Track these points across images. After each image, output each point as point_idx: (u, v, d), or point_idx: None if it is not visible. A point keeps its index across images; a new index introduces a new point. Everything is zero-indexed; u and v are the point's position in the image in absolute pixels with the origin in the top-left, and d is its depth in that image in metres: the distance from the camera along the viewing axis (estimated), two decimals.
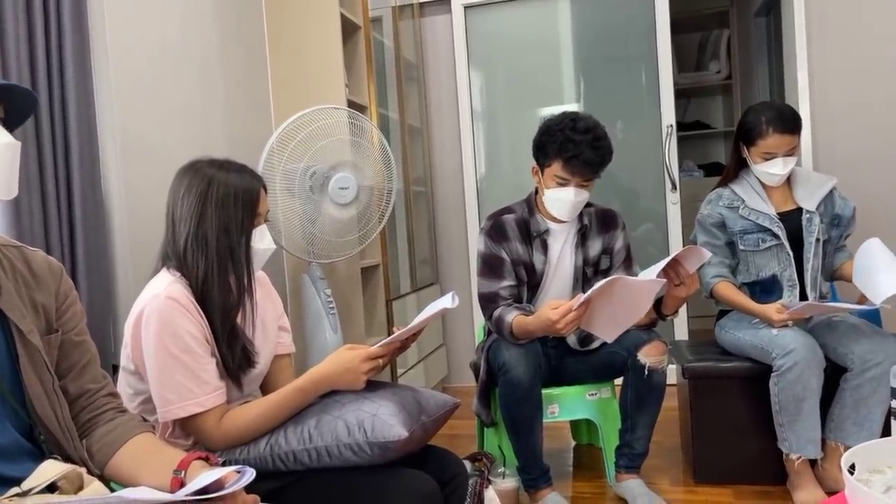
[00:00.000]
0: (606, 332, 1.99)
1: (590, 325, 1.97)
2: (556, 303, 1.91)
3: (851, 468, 1.20)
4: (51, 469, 0.97)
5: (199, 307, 1.36)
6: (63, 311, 1.13)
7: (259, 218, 1.45)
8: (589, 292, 1.83)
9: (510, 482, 2.21)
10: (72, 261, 1.86)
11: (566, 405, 2.31)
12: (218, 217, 1.39)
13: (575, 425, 2.85)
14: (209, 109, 2.51)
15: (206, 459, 1.04)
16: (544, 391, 2.15)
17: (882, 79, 3.28)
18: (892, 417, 1.14)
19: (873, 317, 2.69)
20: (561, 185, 2.12)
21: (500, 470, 2.25)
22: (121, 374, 1.43)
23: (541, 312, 1.94)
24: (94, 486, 0.98)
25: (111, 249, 2.02)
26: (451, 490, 1.42)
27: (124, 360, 1.41)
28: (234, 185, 1.41)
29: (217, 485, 0.90)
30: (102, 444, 1.11)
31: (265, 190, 1.48)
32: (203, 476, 0.90)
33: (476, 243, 2.29)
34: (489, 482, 2.21)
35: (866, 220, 2.67)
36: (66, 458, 1.03)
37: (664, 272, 1.97)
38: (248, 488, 0.97)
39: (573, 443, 2.86)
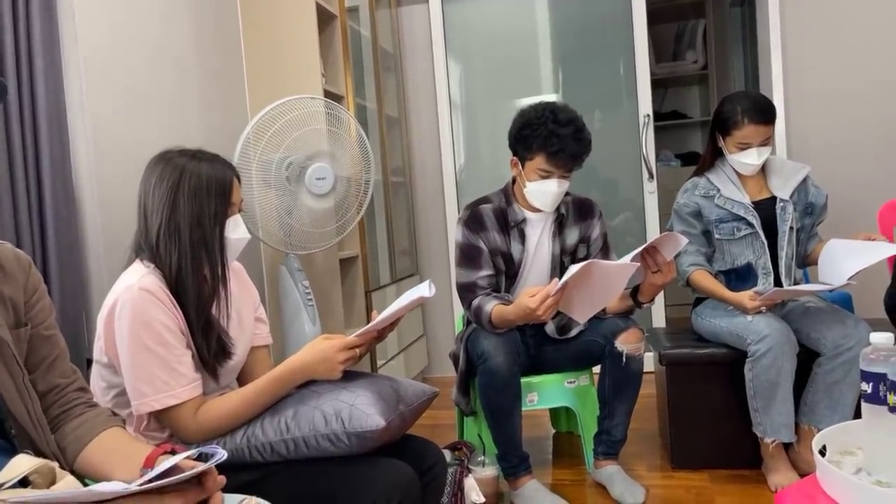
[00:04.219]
0: (581, 313, 2.01)
1: (565, 308, 1.99)
2: (533, 290, 1.92)
3: (823, 450, 1.22)
4: (23, 463, 0.95)
5: (173, 298, 1.34)
6: (32, 305, 1.11)
7: (233, 207, 1.44)
8: (566, 277, 1.84)
9: (490, 470, 2.22)
10: (43, 254, 1.82)
11: (545, 393, 2.32)
12: (190, 207, 1.37)
13: (554, 413, 2.87)
14: (183, 99, 2.48)
15: (172, 452, 1.03)
16: (523, 380, 2.16)
17: (855, 68, 3.32)
18: (863, 400, 1.16)
19: (845, 302, 2.74)
20: (544, 177, 2.13)
21: (479, 458, 2.26)
22: (94, 367, 1.41)
23: (519, 301, 1.95)
24: (67, 480, 0.96)
25: (83, 242, 1.99)
26: (429, 479, 1.42)
27: (97, 353, 1.39)
28: (207, 175, 1.39)
29: (177, 471, 0.90)
30: (72, 438, 1.09)
31: (238, 179, 1.46)
32: (163, 464, 0.90)
33: (454, 234, 2.29)
34: (469, 471, 2.23)
35: (839, 207, 2.71)
36: (38, 453, 1.01)
37: (642, 259, 1.99)
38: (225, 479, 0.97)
39: (552, 430, 2.88)
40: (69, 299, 1.86)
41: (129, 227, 1.46)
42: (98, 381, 1.40)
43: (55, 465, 0.99)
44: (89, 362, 1.45)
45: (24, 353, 1.07)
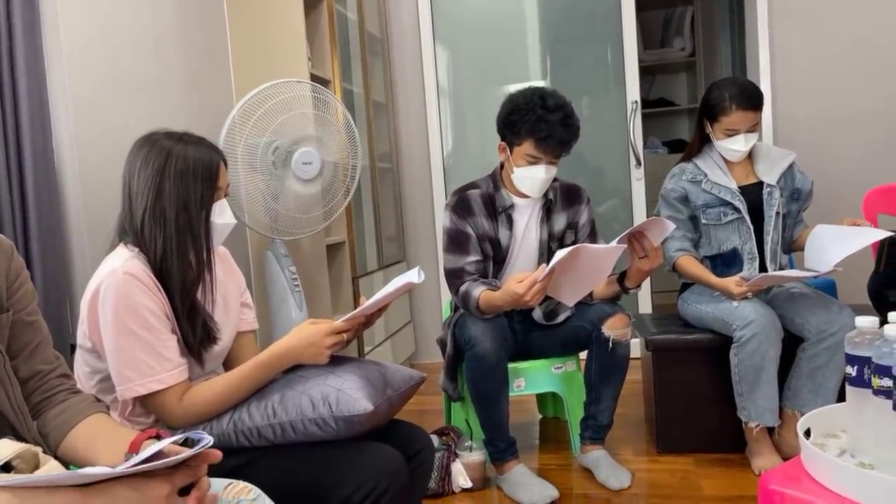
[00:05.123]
0: (568, 297, 2.02)
1: (553, 292, 1.99)
2: (521, 276, 1.92)
3: (807, 433, 1.24)
4: (5, 448, 0.94)
5: (157, 283, 1.33)
6: (14, 291, 1.09)
7: (219, 192, 1.42)
8: (553, 262, 1.84)
9: (477, 455, 2.23)
10: (25, 238, 1.80)
11: (532, 379, 2.33)
12: (176, 191, 1.35)
13: (541, 398, 2.89)
14: (167, 82, 2.45)
15: (157, 437, 1.02)
16: (510, 365, 2.16)
17: (842, 55, 3.34)
18: (847, 383, 1.17)
19: (829, 288, 2.76)
20: (532, 163, 2.12)
21: (467, 443, 2.27)
22: (78, 352, 1.40)
23: (507, 286, 1.95)
24: (50, 465, 0.95)
25: (66, 226, 1.96)
26: (417, 464, 1.42)
27: (81, 338, 1.37)
28: (193, 159, 1.37)
29: (162, 456, 0.89)
30: (54, 425, 1.08)
31: (225, 163, 1.44)
32: (148, 449, 0.89)
33: (442, 220, 2.28)
34: (456, 456, 2.24)
35: (824, 193, 2.73)
36: (19, 440, 1.00)
37: (629, 244, 2.00)
38: (211, 465, 0.96)
39: (539, 416, 2.89)
40: (52, 284, 1.84)
41: (113, 211, 1.44)
42: (82, 367, 1.39)
43: (39, 450, 0.98)
44: (73, 347, 1.44)
45: (6, 340, 1.06)
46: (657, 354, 2.40)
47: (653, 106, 5.16)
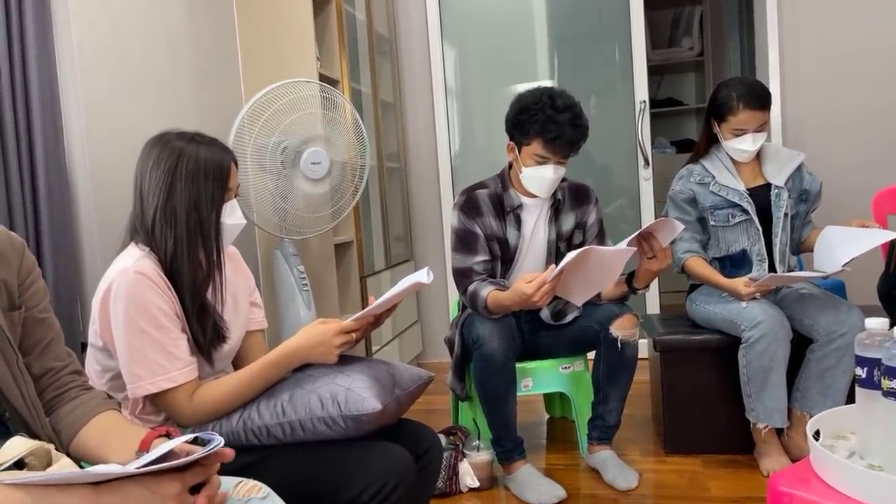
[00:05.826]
0: (577, 297, 2.02)
1: (562, 292, 1.99)
2: (529, 276, 1.92)
3: (816, 434, 1.23)
4: (18, 445, 0.95)
5: (168, 282, 1.34)
6: (26, 288, 1.10)
7: (229, 193, 1.42)
8: (562, 263, 1.84)
9: (484, 455, 2.23)
10: (36, 237, 1.81)
11: (540, 379, 2.33)
12: (187, 191, 1.36)
13: (548, 398, 2.89)
14: (177, 81, 2.46)
15: (168, 435, 1.02)
16: (518, 365, 2.17)
17: (851, 55, 3.32)
18: (857, 385, 1.17)
19: (838, 289, 2.75)
20: (540, 163, 2.12)
21: (474, 443, 2.27)
22: (89, 351, 1.41)
23: (515, 286, 1.95)
24: (63, 463, 0.96)
25: (77, 224, 1.98)
26: (425, 462, 1.43)
27: (92, 336, 1.38)
28: (205, 159, 1.38)
29: (173, 455, 0.90)
30: (67, 422, 1.09)
31: (236, 164, 1.45)
32: (159, 448, 0.90)
33: (450, 219, 2.28)
34: (464, 455, 2.24)
35: (833, 193, 2.72)
36: (32, 436, 1.01)
37: (638, 245, 1.99)
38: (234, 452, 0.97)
39: (546, 416, 2.89)
40: (63, 282, 1.85)
41: (123, 210, 1.45)
42: (93, 365, 1.40)
43: (51, 447, 0.99)
44: (84, 346, 1.45)
45: (19, 337, 1.07)
46: (665, 355, 2.40)
47: (661, 106, 5.15)
